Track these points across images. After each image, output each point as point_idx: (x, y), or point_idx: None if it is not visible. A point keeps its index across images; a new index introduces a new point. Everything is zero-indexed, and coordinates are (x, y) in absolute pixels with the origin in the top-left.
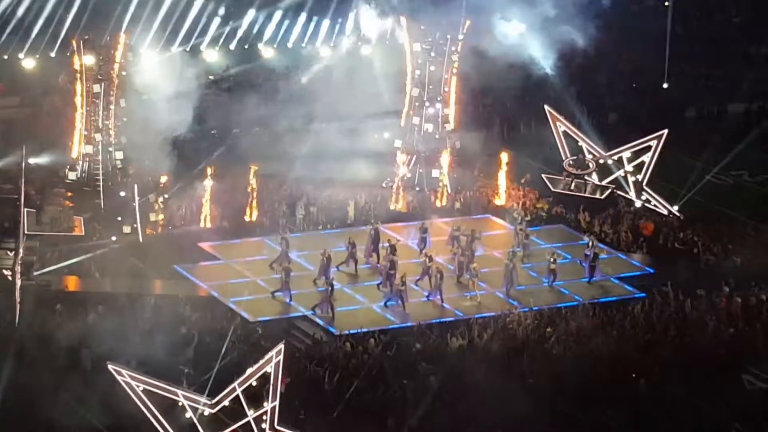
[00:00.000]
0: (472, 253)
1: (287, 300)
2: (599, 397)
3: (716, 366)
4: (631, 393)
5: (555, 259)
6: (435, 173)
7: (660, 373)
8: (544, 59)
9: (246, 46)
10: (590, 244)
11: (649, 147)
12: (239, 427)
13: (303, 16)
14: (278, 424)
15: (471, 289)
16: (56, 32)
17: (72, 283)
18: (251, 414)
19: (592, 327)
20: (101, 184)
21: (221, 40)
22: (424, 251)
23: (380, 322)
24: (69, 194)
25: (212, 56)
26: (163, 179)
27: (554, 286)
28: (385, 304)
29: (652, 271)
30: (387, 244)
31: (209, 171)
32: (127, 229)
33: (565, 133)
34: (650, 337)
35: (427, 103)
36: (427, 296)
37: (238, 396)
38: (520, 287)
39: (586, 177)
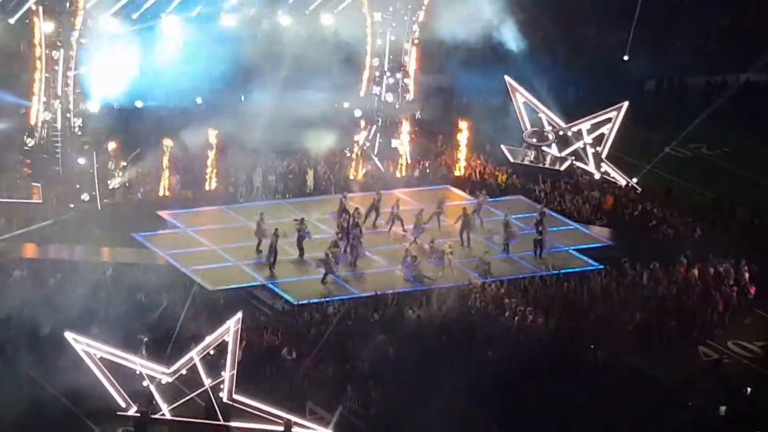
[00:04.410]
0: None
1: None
2: (557, 368)
3: (673, 337)
4: (590, 364)
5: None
6: (394, 143)
7: (617, 344)
8: (505, 30)
9: (207, 15)
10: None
11: (609, 119)
12: (197, 395)
13: None
14: (235, 393)
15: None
16: None
17: (30, 251)
18: (209, 383)
19: (550, 298)
20: (60, 150)
21: (182, 9)
22: (375, 222)
23: (339, 292)
24: (27, 161)
25: (173, 25)
26: (123, 147)
27: (510, 255)
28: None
29: (610, 243)
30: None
31: (168, 139)
32: (85, 197)
33: (525, 104)
34: (608, 308)
35: (387, 73)
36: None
37: (195, 365)
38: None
39: (545, 148)
